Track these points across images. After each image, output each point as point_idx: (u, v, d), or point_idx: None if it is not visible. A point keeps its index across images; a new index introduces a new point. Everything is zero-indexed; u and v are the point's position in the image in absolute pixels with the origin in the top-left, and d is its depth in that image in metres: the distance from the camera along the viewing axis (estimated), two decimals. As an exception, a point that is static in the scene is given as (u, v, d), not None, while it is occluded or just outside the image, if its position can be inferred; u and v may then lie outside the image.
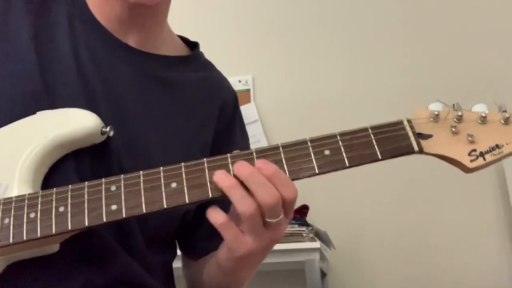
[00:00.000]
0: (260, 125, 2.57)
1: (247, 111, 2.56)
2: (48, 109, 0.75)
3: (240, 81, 2.63)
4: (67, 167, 0.74)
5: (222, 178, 0.63)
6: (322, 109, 2.55)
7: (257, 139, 2.54)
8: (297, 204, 2.30)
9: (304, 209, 2.14)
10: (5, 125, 0.74)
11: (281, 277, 2.35)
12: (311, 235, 2.01)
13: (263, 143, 2.53)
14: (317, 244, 1.98)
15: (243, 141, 0.99)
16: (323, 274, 2.19)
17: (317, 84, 2.61)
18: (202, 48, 0.99)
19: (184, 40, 0.99)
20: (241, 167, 0.63)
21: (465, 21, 2.56)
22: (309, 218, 2.13)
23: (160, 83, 0.87)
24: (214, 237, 0.80)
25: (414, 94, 2.44)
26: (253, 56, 2.70)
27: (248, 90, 2.64)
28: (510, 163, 2.24)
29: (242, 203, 0.62)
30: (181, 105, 0.88)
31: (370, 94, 2.54)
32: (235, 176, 0.63)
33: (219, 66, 1.01)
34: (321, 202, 2.33)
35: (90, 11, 0.85)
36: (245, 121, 1.02)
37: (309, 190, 2.29)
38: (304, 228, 1.99)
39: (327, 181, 2.35)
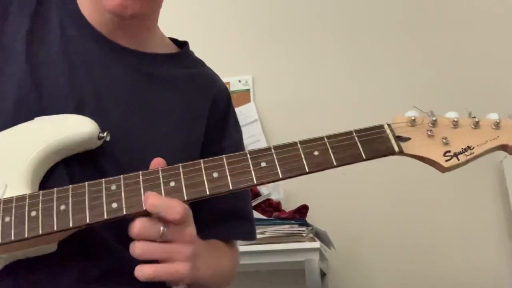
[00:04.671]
0: (259, 125, 2.57)
1: (247, 111, 2.56)
2: (38, 111, 0.76)
3: (240, 81, 2.63)
4: (59, 172, 0.75)
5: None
6: (321, 109, 2.55)
7: (256, 138, 2.54)
8: (297, 204, 2.29)
9: (304, 209, 2.14)
10: None
11: (281, 277, 2.35)
12: (311, 235, 2.01)
13: (263, 143, 2.53)
14: (317, 244, 1.97)
15: (236, 134, 0.99)
16: (323, 274, 2.19)
17: (316, 84, 2.61)
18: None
19: (174, 41, 1.01)
20: None
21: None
22: (309, 218, 2.12)
23: (152, 79, 0.88)
24: (209, 228, 0.84)
25: (413, 94, 2.45)
26: (253, 56, 2.70)
27: (248, 90, 2.64)
28: (510, 162, 2.24)
29: None
30: (174, 101, 0.89)
31: (370, 93, 2.54)
32: None
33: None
34: (321, 202, 2.33)
35: (82, 14, 0.87)
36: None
37: (309, 190, 2.30)
38: (304, 228, 1.99)
39: (326, 181, 2.35)
